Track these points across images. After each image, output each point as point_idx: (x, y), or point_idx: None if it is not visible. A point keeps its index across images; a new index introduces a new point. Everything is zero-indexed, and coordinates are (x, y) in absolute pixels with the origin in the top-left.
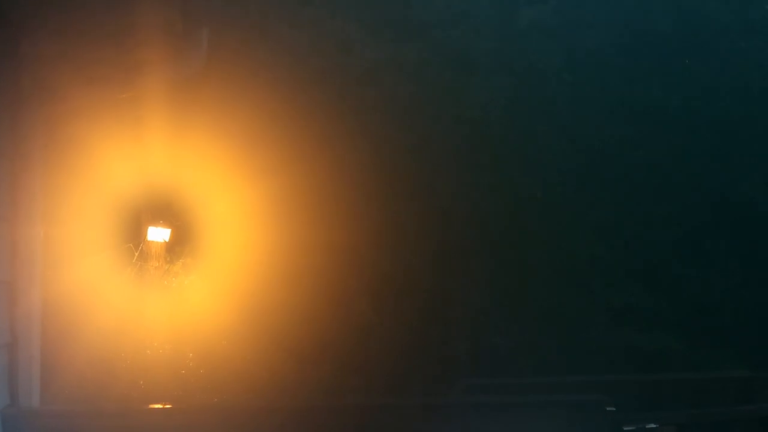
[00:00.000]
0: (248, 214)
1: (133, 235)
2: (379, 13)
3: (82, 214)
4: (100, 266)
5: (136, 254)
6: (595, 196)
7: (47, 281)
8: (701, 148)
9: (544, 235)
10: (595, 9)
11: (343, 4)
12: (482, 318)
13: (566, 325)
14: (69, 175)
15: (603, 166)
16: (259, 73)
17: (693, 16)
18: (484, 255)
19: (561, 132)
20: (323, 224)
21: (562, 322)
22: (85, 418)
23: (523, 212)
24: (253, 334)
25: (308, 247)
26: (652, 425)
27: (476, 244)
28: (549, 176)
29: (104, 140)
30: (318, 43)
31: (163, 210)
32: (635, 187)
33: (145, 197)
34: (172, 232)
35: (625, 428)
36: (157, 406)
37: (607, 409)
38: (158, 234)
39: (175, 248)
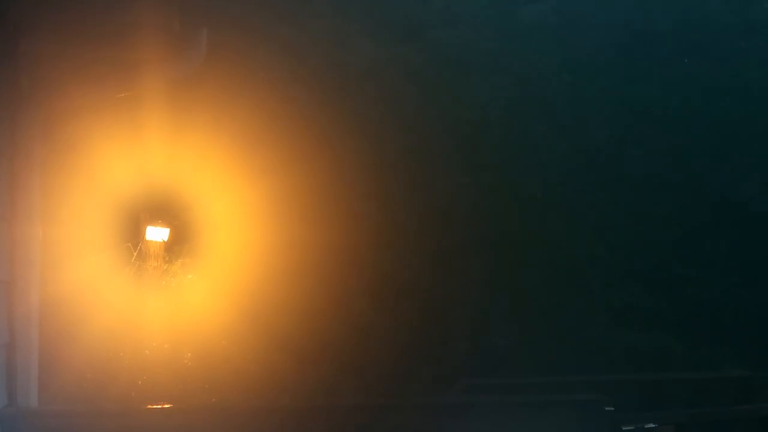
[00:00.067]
0: (247, 214)
1: (132, 234)
2: (378, 13)
3: (81, 214)
4: (98, 266)
5: (135, 254)
6: (595, 196)
7: (46, 281)
8: (701, 148)
9: (544, 235)
10: (595, 9)
11: (342, 4)
12: (482, 318)
13: (566, 325)
14: (68, 174)
15: (603, 166)
16: (258, 72)
17: (693, 16)
18: (484, 255)
19: (561, 132)
20: (322, 224)
21: (562, 322)
22: (83, 418)
23: (523, 212)
24: (252, 334)
25: (308, 247)
26: (651, 425)
27: (476, 244)
28: (549, 176)
29: (103, 140)
30: (317, 43)
31: (162, 209)
32: (635, 187)
33: (143, 197)
34: (170, 231)
35: (624, 428)
36: (156, 406)
37: (606, 408)
38: (157, 233)
39: (174, 248)
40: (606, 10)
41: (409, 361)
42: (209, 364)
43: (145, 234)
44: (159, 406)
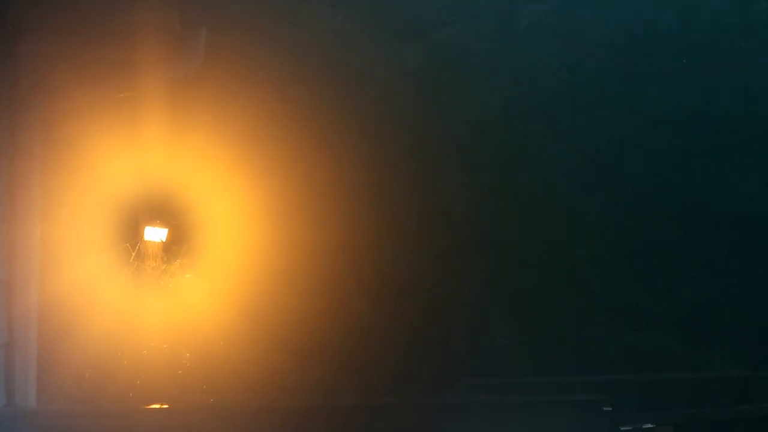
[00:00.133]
0: (246, 214)
1: (131, 234)
2: (378, 12)
3: (80, 214)
4: (97, 266)
5: (134, 254)
6: (595, 196)
7: (45, 281)
8: (701, 148)
9: (544, 235)
10: (596, 9)
11: (342, 4)
12: (482, 318)
13: (566, 325)
14: (67, 174)
15: (603, 166)
16: (257, 72)
17: (693, 16)
18: (484, 255)
19: (561, 132)
20: (322, 224)
21: (562, 322)
22: (82, 419)
23: (523, 212)
24: (251, 333)
25: (307, 247)
26: (649, 425)
27: (476, 244)
28: (549, 176)
29: (102, 140)
30: (316, 43)
31: (161, 210)
32: (635, 187)
33: (142, 197)
34: (169, 231)
35: (622, 428)
36: (154, 406)
37: (604, 409)
38: (155, 234)
39: (173, 248)
40: (606, 10)
41: (409, 361)
42: (208, 364)
43: (143, 234)
44: (158, 407)
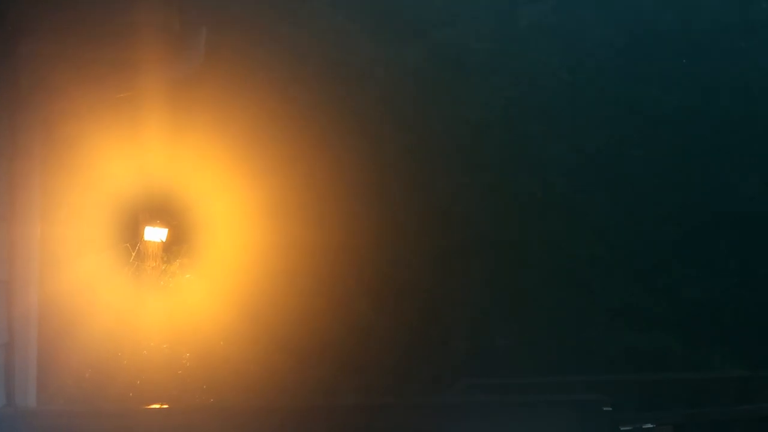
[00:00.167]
0: (246, 214)
1: (131, 234)
2: (378, 12)
3: (80, 214)
4: (97, 266)
5: (134, 254)
6: (595, 196)
7: (45, 281)
8: (701, 148)
9: (544, 235)
10: (595, 9)
11: (342, 4)
12: (482, 318)
13: (566, 325)
14: (67, 174)
15: (603, 166)
16: (257, 72)
17: (693, 16)
18: (484, 255)
19: (561, 132)
20: (321, 224)
21: (562, 322)
22: (82, 419)
23: (523, 212)
24: (251, 334)
25: (307, 247)
26: (649, 425)
27: (476, 244)
28: (549, 176)
29: (102, 140)
30: (316, 43)
31: (161, 210)
32: (635, 187)
33: (142, 197)
34: (169, 231)
35: (621, 428)
36: (154, 406)
37: (604, 409)
38: (155, 234)
39: (172, 248)
40: (606, 10)
41: (409, 361)
42: (208, 364)
43: (143, 234)
44: (157, 407)
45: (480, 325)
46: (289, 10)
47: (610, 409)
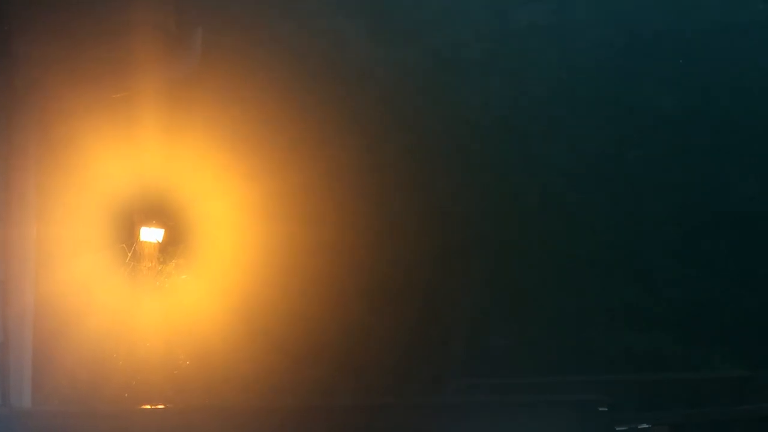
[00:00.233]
0: (243, 214)
1: (127, 235)
2: (377, 13)
3: (76, 214)
4: (93, 266)
5: (129, 254)
6: (595, 196)
7: (40, 281)
8: (701, 148)
9: (544, 235)
10: (595, 9)
11: (342, 4)
12: (482, 318)
13: (566, 325)
14: (62, 174)
15: (603, 167)
16: (254, 73)
17: (693, 16)
18: (484, 255)
19: (560, 131)
20: (320, 224)
21: (562, 322)
22: (77, 419)
23: (523, 212)
24: (248, 334)
25: (305, 247)
26: (645, 425)
27: (476, 244)
28: (549, 176)
29: (98, 140)
30: (314, 43)
31: (157, 210)
32: (635, 188)
33: (138, 197)
34: (165, 232)
35: (617, 428)
36: (150, 406)
37: (600, 409)
38: (151, 234)
39: (169, 249)
40: (606, 10)
41: (409, 361)
42: (205, 365)
43: (139, 235)
44: (154, 407)
45: (480, 325)
46: (288, 10)
47: (606, 409)
